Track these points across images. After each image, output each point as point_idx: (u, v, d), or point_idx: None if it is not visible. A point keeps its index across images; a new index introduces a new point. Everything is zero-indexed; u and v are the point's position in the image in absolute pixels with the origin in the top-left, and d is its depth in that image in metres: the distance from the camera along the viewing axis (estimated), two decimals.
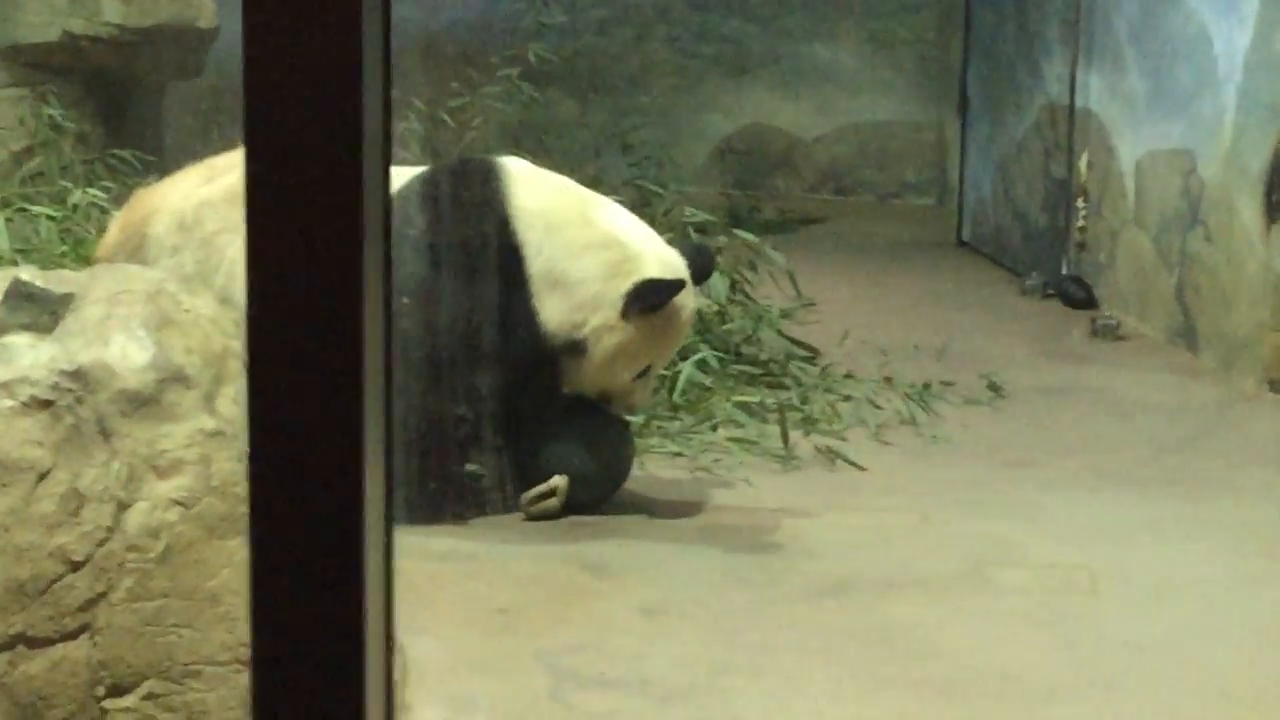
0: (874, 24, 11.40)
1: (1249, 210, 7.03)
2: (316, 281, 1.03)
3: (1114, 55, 8.29)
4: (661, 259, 5.34)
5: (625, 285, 5.25)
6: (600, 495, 5.44)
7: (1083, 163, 8.64)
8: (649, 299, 5.24)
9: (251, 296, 1.03)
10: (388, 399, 1.12)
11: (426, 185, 5.42)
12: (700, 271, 5.51)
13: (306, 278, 1.03)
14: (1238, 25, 7.12)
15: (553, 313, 5.28)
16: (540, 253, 5.27)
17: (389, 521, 1.13)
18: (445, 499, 5.38)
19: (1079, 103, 8.66)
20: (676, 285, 5.29)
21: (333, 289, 1.03)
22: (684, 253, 5.49)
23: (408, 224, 5.29)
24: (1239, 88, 7.11)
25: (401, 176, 5.47)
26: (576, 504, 5.38)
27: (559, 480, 5.34)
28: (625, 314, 5.26)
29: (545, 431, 5.41)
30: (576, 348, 5.28)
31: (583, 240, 5.29)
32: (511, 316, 5.30)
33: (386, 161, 1.10)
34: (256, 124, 1.01)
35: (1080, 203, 8.67)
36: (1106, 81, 8.39)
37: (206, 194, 5.44)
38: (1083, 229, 8.67)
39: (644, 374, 5.45)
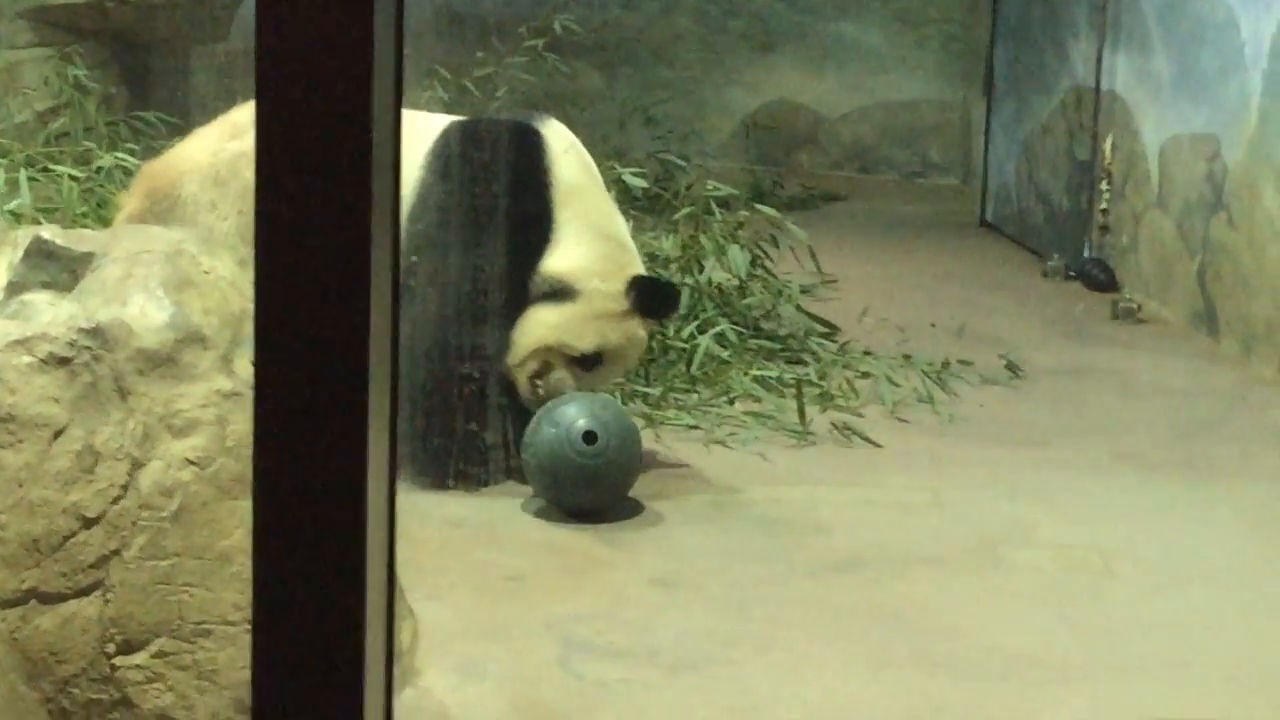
0: (902, 2, 11.36)
1: (1272, 196, 7.01)
2: (325, 246, 1.04)
3: (1141, 39, 8.27)
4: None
5: (634, 273, 5.45)
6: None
7: (1107, 145, 8.62)
8: (656, 301, 5.46)
9: (260, 259, 1.04)
10: (394, 363, 1.12)
11: (465, 137, 5.48)
12: (664, 304, 5.56)
13: (315, 241, 1.04)
14: (1264, 10, 7.09)
15: (557, 264, 5.40)
16: (570, 222, 5.43)
17: (392, 485, 1.14)
18: (460, 460, 5.41)
19: (1105, 85, 8.63)
20: (675, 305, 5.66)
21: (341, 253, 1.04)
22: (658, 283, 5.61)
23: (444, 173, 5.40)
24: (1265, 73, 7.09)
25: (438, 123, 5.53)
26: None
27: None
28: (627, 293, 5.41)
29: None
30: (567, 294, 5.39)
31: (603, 230, 5.48)
32: (523, 273, 5.40)
33: (397, 131, 1.10)
34: (268, 89, 1.02)
35: (1104, 185, 8.65)
36: (1133, 65, 8.37)
37: (240, 146, 5.46)
38: (1105, 212, 8.65)
39: (584, 367, 5.46)
